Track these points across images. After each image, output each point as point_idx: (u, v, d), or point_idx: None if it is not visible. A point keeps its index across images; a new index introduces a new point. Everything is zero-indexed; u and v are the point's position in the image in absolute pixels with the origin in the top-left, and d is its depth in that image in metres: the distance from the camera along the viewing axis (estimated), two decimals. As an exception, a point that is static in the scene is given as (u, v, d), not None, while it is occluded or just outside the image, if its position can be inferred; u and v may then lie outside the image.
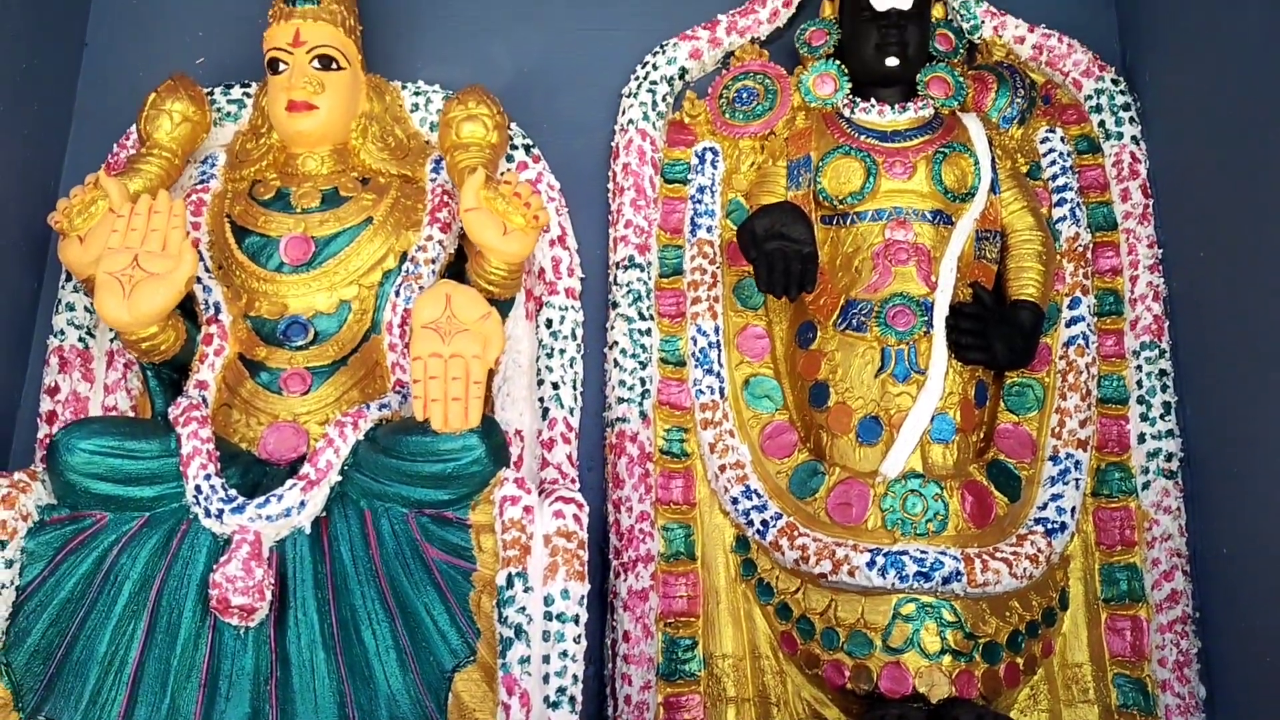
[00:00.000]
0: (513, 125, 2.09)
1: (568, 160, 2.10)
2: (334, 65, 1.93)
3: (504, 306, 1.91)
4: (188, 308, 1.87)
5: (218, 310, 1.85)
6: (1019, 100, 2.05)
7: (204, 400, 1.77)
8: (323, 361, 1.81)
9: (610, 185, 2.06)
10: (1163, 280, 1.96)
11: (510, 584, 1.54)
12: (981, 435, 1.89)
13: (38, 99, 2.09)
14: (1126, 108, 2.07)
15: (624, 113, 2.08)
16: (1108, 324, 1.97)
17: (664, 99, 2.09)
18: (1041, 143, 2.07)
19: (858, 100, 2.01)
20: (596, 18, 2.21)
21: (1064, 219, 2.00)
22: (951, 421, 1.80)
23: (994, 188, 1.96)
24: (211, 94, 2.08)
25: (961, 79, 2.03)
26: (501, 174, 2.04)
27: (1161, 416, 1.89)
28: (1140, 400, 1.91)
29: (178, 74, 1.99)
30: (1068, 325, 1.94)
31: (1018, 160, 2.03)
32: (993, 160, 1.97)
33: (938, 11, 2.08)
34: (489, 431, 1.64)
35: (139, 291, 1.68)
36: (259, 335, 1.84)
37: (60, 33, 2.17)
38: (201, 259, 1.89)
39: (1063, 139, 2.07)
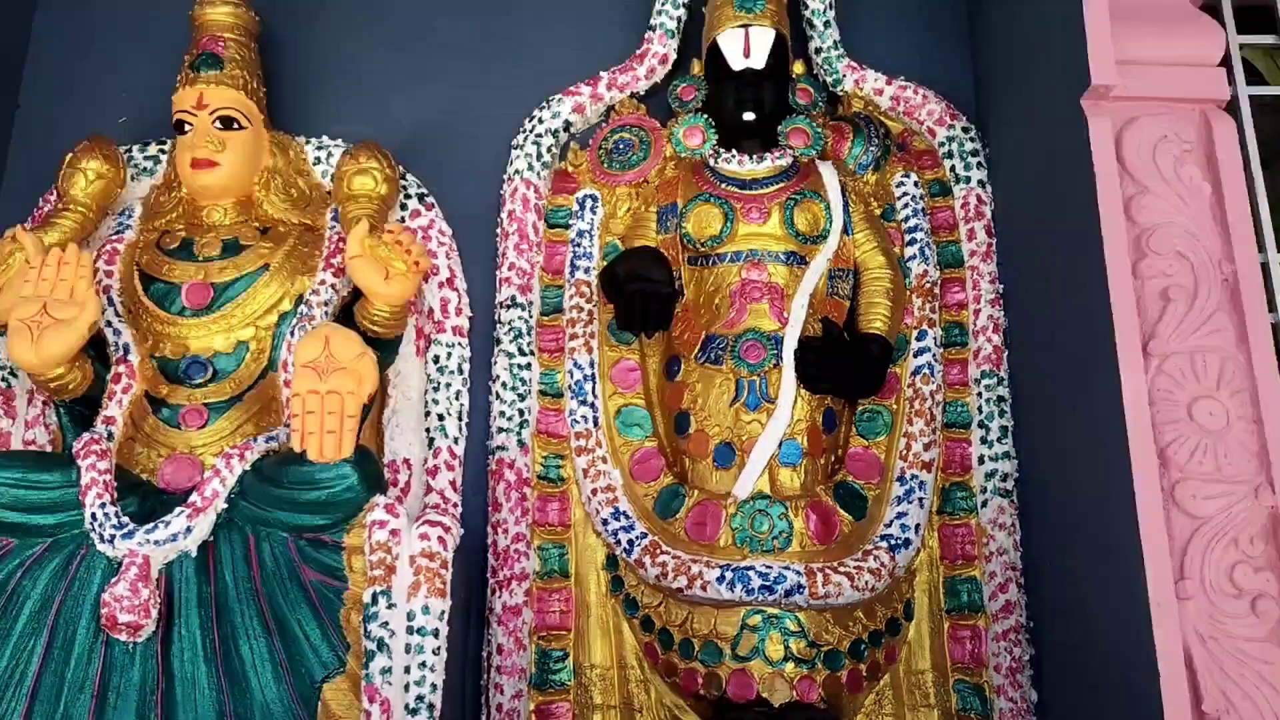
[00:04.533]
0: (408, 176, 2.25)
1: (461, 208, 2.27)
2: (235, 125, 2.10)
3: (392, 344, 2.06)
4: (103, 349, 2.03)
5: (126, 351, 2.01)
6: (873, 148, 2.22)
7: (109, 435, 1.92)
8: (220, 398, 1.97)
9: (498, 231, 2.23)
10: (1002, 313, 2.12)
11: (375, 601, 1.69)
12: (834, 459, 2.04)
13: (-32, 157, 2.26)
14: (975, 153, 2.24)
15: (511, 163, 2.25)
16: (953, 354, 2.13)
17: (549, 150, 2.26)
18: (897, 186, 2.24)
19: (721, 151, 2.18)
20: (490, 76, 2.38)
21: (914, 257, 2.16)
22: (799, 446, 1.96)
23: (847, 229, 2.12)
24: (129, 151, 2.25)
25: (820, 129, 2.19)
26: (401, 221, 2.21)
27: (999, 439, 2.05)
28: (981, 425, 2.07)
29: (95, 135, 2.16)
30: (915, 355, 2.10)
31: (872, 204, 2.20)
32: (846, 204, 2.13)
33: (798, 68, 2.25)
34: (362, 461, 1.80)
35: (46, 336, 1.83)
36: (163, 374, 1.99)
37: (-8, 94, 2.35)
38: (113, 304, 2.05)
39: (916, 183, 2.24)
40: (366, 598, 1.70)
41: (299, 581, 1.76)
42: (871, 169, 2.22)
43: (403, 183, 2.24)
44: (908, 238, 2.19)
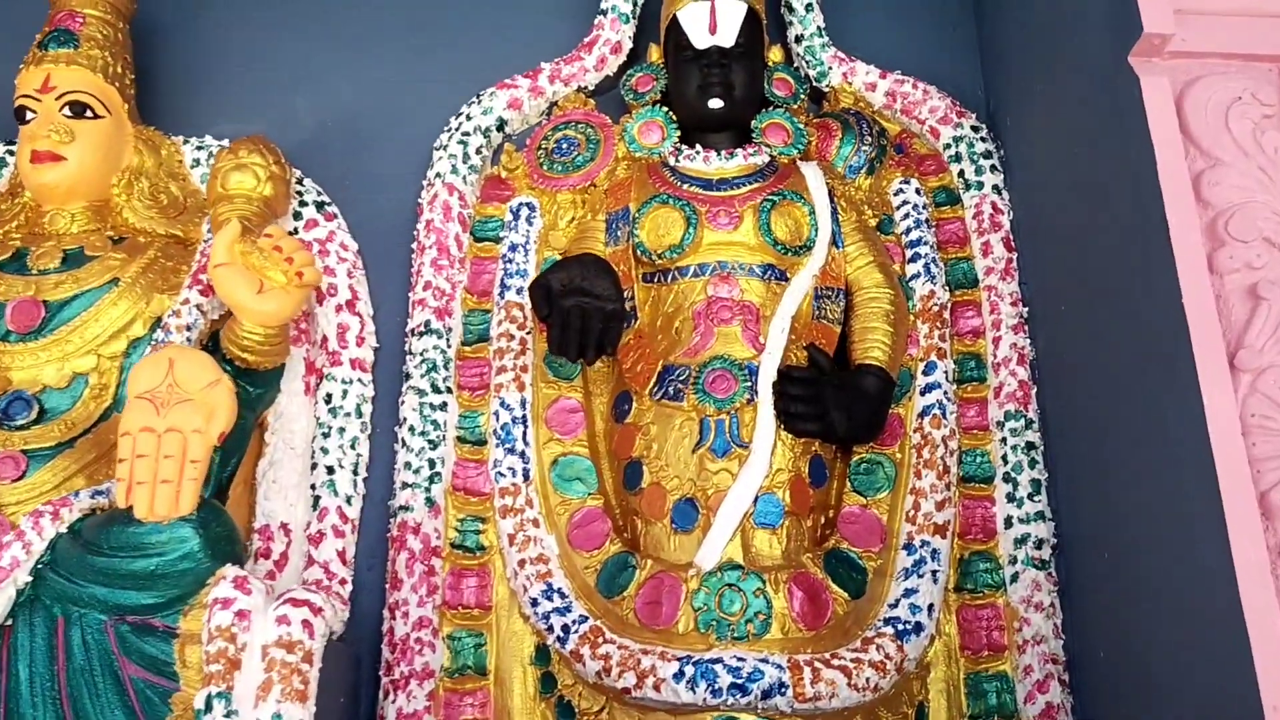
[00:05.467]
0: (305, 181, 1.87)
1: (372, 218, 1.89)
2: (88, 113, 1.72)
3: (269, 378, 1.65)
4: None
5: (-63, 387, 1.60)
6: (866, 148, 1.84)
7: (-99, 490, 1.49)
8: (44, 443, 1.55)
9: (414, 245, 1.83)
10: (1028, 341, 1.73)
11: (209, 707, 1.25)
12: (823, 520, 1.62)
13: None
14: (988, 155, 1.87)
15: (433, 166, 1.87)
16: (969, 392, 1.73)
17: (478, 151, 1.88)
18: (895, 194, 1.86)
19: (683, 148, 1.80)
20: (413, 68, 2.01)
21: (918, 276, 1.78)
22: (779, 503, 1.54)
23: (836, 241, 1.74)
24: (-32, 150, 1.86)
25: (802, 126, 1.82)
26: (294, 234, 1.81)
27: (1030, 496, 1.63)
28: (1006, 478, 1.66)
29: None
30: (922, 393, 1.70)
31: (865, 212, 1.81)
32: (834, 211, 1.75)
33: (775, 55, 1.90)
34: (207, 520, 1.38)
35: None
36: (-16, 415, 1.58)
37: None
38: (-75, 330, 1.64)
39: (918, 190, 1.86)
40: (199, 703, 1.26)
41: (115, 678, 1.33)
42: (864, 172, 1.84)
43: (299, 188, 1.86)
44: (910, 253, 1.80)
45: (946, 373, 1.72)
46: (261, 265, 1.54)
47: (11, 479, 1.52)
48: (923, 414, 1.68)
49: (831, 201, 1.76)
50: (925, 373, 1.71)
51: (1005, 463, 1.66)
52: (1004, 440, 1.68)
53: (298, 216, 1.83)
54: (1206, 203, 1.32)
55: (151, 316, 1.66)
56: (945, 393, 1.70)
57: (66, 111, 1.71)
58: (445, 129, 1.90)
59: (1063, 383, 1.65)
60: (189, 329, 1.65)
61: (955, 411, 1.71)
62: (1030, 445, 1.66)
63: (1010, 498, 1.64)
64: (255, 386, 1.63)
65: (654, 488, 1.58)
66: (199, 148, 1.87)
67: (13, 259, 1.67)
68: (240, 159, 1.73)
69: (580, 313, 1.54)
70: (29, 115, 1.71)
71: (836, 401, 1.60)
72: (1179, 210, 1.30)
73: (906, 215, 1.83)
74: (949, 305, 1.78)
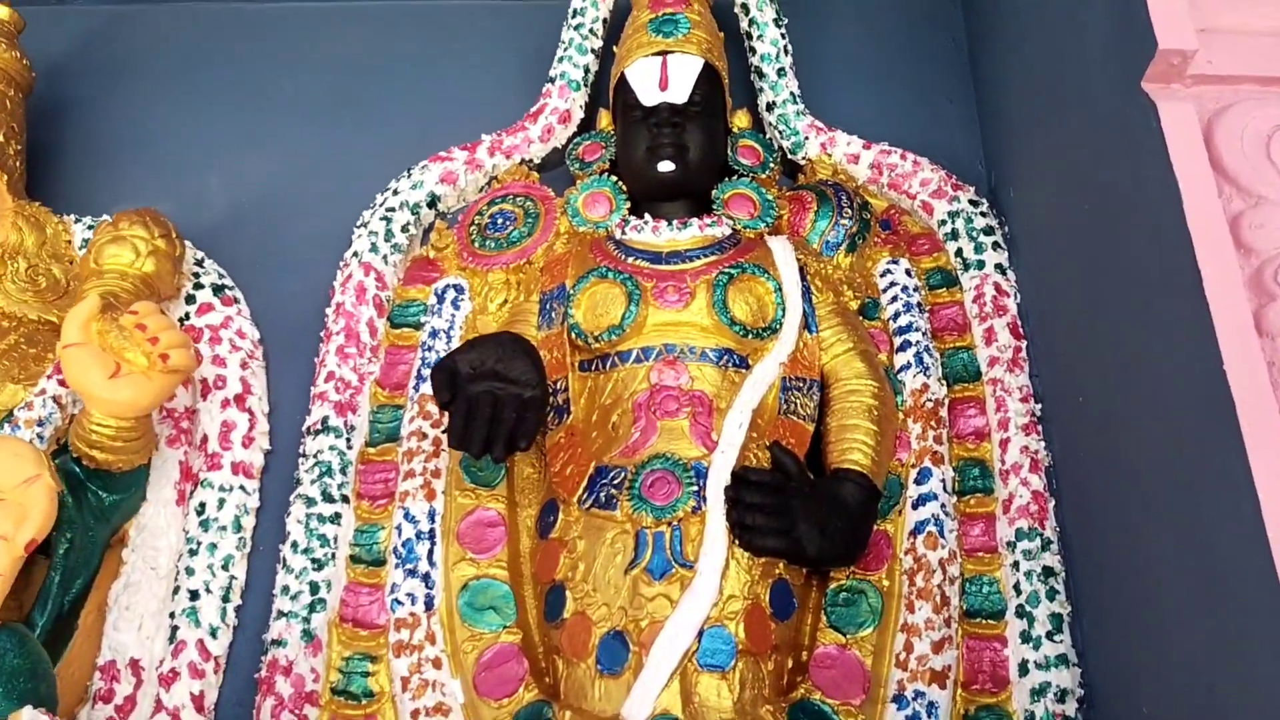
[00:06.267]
0: (207, 263, 1.65)
1: (281, 305, 1.65)
2: (-47, 181, 1.52)
3: (127, 482, 1.38)
4: None
5: None
6: (845, 222, 1.59)
7: None
8: None
9: (322, 333, 1.59)
10: (1042, 444, 1.44)
11: None
12: (790, 663, 1.31)
13: None
14: (989, 231, 1.61)
15: (350, 245, 1.64)
16: (972, 505, 1.43)
17: (404, 229, 1.65)
18: (881, 275, 1.60)
19: (631, 219, 1.56)
20: (339, 144, 1.81)
21: (908, 367, 1.50)
22: (730, 639, 1.23)
23: (809, 325, 1.47)
24: None
25: (771, 198, 1.58)
26: (184, 321, 1.58)
27: (1050, 635, 1.31)
28: (1020, 612, 1.34)
29: None
30: (915, 506, 1.40)
31: (845, 294, 1.55)
32: (807, 290, 1.49)
33: (741, 120, 1.67)
34: (4, 649, 1.13)
35: None
36: None
37: None
38: None
39: (909, 271, 1.60)
40: None
41: None
42: (844, 249, 1.58)
43: (197, 269, 1.63)
44: (899, 341, 1.53)
45: (944, 482, 1.42)
46: (120, 346, 1.30)
47: None
48: (915, 531, 1.38)
49: (804, 279, 1.50)
50: (918, 481, 1.41)
51: (1018, 593, 1.35)
52: (1016, 565, 1.36)
53: (191, 300, 1.59)
54: (1249, 249, 1.05)
55: (1, 409, 1.41)
56: (943, 506, 1.39)
57: (-69, 180, 1.51)
58: (370, 206, 1.68)
59: (1085, 493, 1.35)
60: (40, 424, 1.40)
61: (956, 529, 1.40)
62: (1048, 571, 1.35)
63: (1025, 637, 1.32)
64: (109, 492, 1.37)
65: (577, 618, 1.27)
66: (90, 227, 1.66)
67: None
68: (119, 230, 1.51)
69: (491, 399, 1.27)
70: (-114, 185, 1.51)
71: (806, 513, 1.30)
72: (1215, 261, 1.02)
73: (895, 298, 1.57)
74: (946, 402, 1.49)
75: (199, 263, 1.65)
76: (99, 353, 1.29)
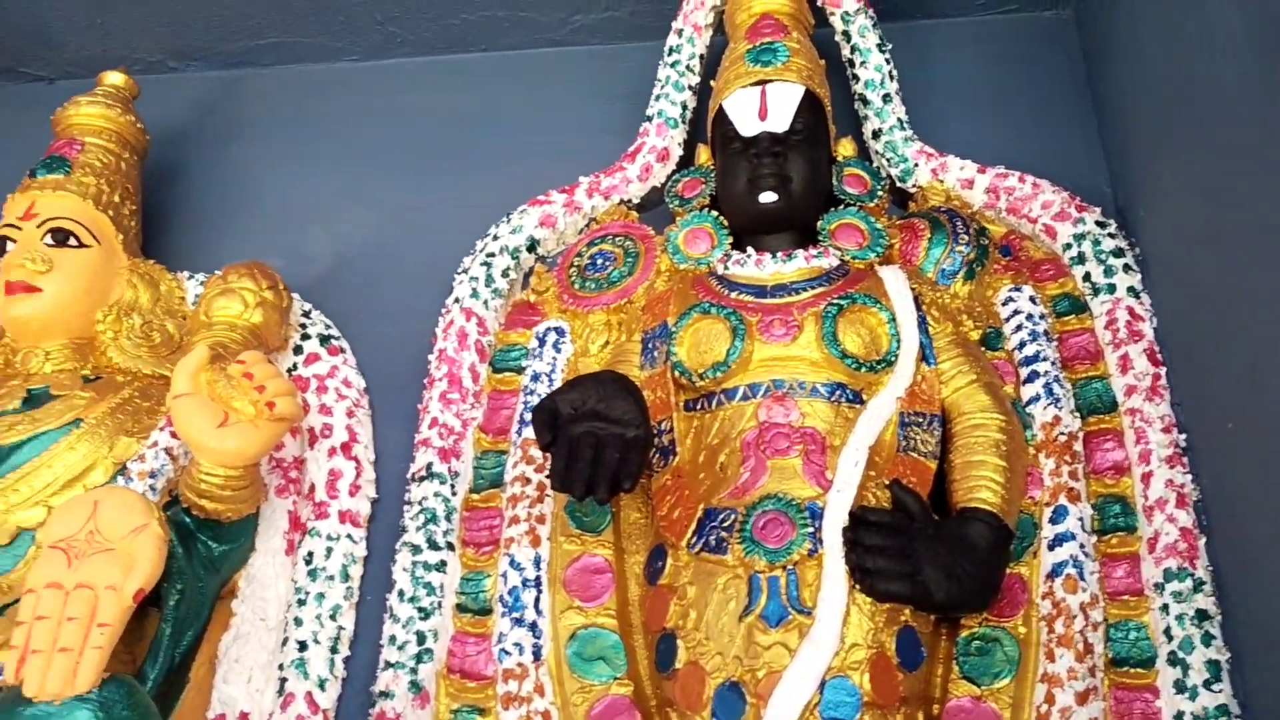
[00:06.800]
0: (313, 314, 1.66)
1: (382, 353, 1.66)
2: (71, 241, 1.56)
3: (236, 532, 1.38)
4: None
5: (-125, 552, 1.39)
6: (961, 249, 1.52)
7: None
8: (-29, 610, 1.31)
9: (425, 379, 1.58)
10: (1189, 478, 1.33)
11: None
12: (920, 716, 1.21)
13: None
14: (1119, 253, 1.52)
15: (452, 292, 1.63)
16: (1114, 545, 1.33)
17: (504, 274, 1.63)
18: (1003, 304, 1.52)
19: (733, 253, 1.51)
20: (438, 193, 1.82)
21: (1037, 399, 1.41)
22: (855, 691, 1.15)
23: (927, 357, 1.39)
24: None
25: (881, 227, 1.52)
26: (292, 371, 1.59)
27: (1207, 685, 1.19)
28: (1173, 660, 1.22)
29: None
30: (1051, 547, 1.30)
31: (964, 324, 1.47)
32: (923, 320, 1.42)
33: (847, 148, 1.62)
34: (110, 701, 1.10)
35: None
36: (-90, 581, 1.36)
37: None
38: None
39: (1033, 299, 1.51)
40: None
41: None
42: (961, 277, 1.51)
43: (304, 320, 1.64)
44: (1025, 372, 1.44)
45: (1082, 520, 1.32)
46: (228, 395, 1.30)
47: (-71, 652, 1.27)
48: (1052, 574, 1.28)
49: (919, 309, 1.42)
50: (1053, 520, 1.32)
51: (1169, 638, 1.24)
52: (1165, 608, 1.25)
53: (299, 351, 1.60)
54: None
55: (115, 462, 1.43)
56: (1082, 546, 1.30)
57: (48, 240, 1.55)
58: (471, 252, 1.67)
59: (1240, 528, 1.24)
60: (153, 475, 1.41)
61: (1097, 571, 1.30)
62: (1202, 614, 1.23)
63: (1180, 686, 1.21)
64: (219, 542, 1.37)
65: (690, 669, 1.21)
66: (201, 283, 1.69)
67: (-28, 403, 1.48)
68: (228, 283, 1.53)
69: (593, 440, 1.22)
70: (9, 245, 1.56)
71: (932, 555, 1.22)
72: (1385, 265, 0.92)
73: (1019, 327, 1.48)
74: (1080, 435, 1.39)
75: (306, 314, 1.66)
76: (207, 402, 1.29)
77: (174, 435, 1.44)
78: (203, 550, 1.36)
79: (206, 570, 1.36)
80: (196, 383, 1.31)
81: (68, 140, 1.65)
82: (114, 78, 1.73)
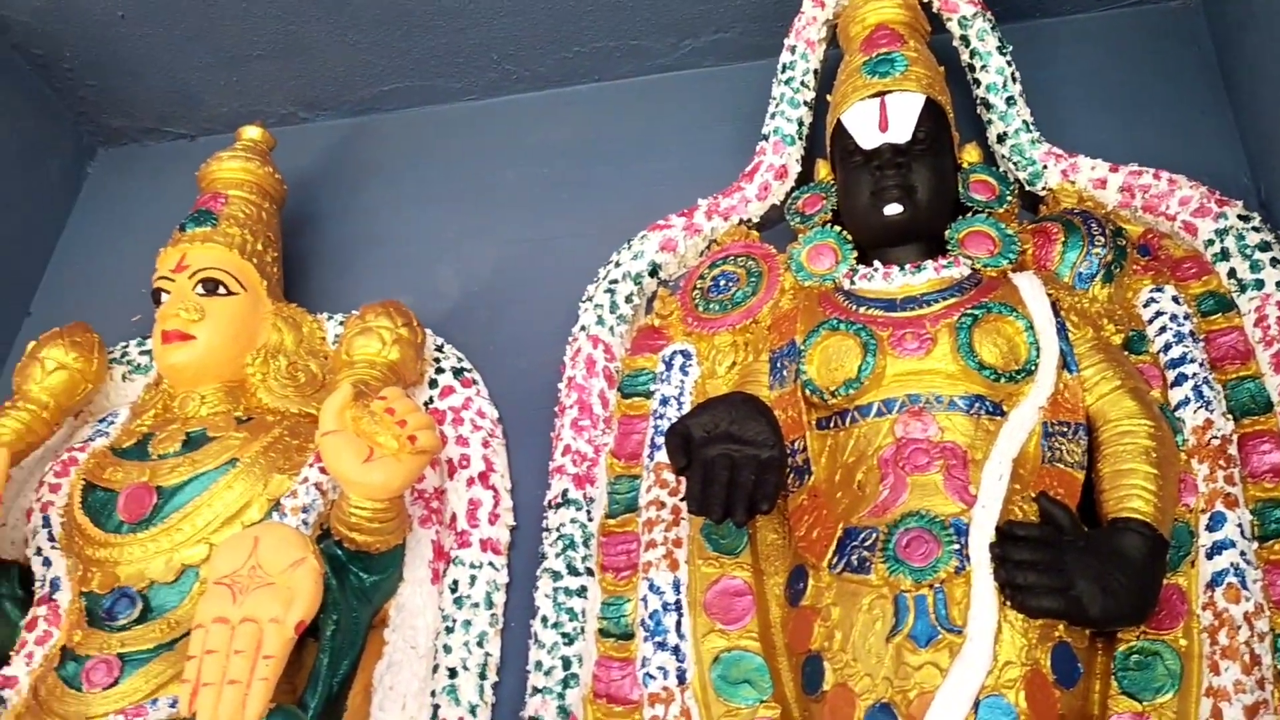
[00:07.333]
0: (445, 348, 1.70)
1: (513, 383, 1.69)
2: (220, 290, 1.64)
3: (385, 562, 1.43)
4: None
5: (54, 588, 1.50)
6: (1098, 250, 1.47)
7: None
8: (142, 645, 1.38)
9: (556, 407, 1.60)
10: (1360, 477, 1.26)
11: None
12: (1080, 735, 1.18)
13: (-34, 371, 1.91)
14: (1265, 247, 1.45)
15: (578, 320, 1.66)
16: (1277, 551, 1.26)
17: (627, 300, 1.65)
18: (1145, 305, 1.47)
19: (859, 268, 1.50)
20: (559, 224, 1.86)
21: (1187, 402, 1.35)
22: (1011, 710, 1.12)
23: (1068, 364, 1.36)
24: (125, 347, 1.83)
25: (1012, 233, 1.49)
26: (428, 404, 1.64)
27: (1395, 698, 1.13)
28: (1354, 672, 1.16)
29: (75, 323, 1.74)
30: (1209, 556, 1.25)
31: (1105, 328, 1.43)
32: (1062, 326, 1.38)
33: (972, 154, 1.59)
34: (279, 732, 1.13)
35: (-90, 558, 1.34)
36: (87, 616, 1.44)
37: (5, 301, 2.02)
38: (48, 526, 1.54)
39: (1176, 298, 1.46)
40: None
41: None
42: (1099, 280, 1.46)
43: (437, 354, 1.69)
44: (1173, 375, 1.39)
45: (1241, 526, 1.26)
46: (372, 430, 1.35)
47: (103, 687, 1.35)
48: (1212, 584, 1.23)
49: (1057, 315, 1.39)
50: (1210, 528, 1.26)
51: (1349, 650, 1.17)
52: (1339, 616, 1.19)
53: (434, 385, 1.65)
54: None
55: (269, 499, 1.49)
56: (1242, 554, 1.24)
57: (199, 289, 1.63)
58: (595, 280, 1.69)
59: None
60: (305, 510, 1.46)
61: (1260, 579, 1.24)
62: (1384, 624, 1.17)
63: (1362, 699, 1.14)
64: (370, 573, 1.42)
65: (839, 691, 1.19)
66: (340, 322, 1.75)
67: (136, 446, 1.57)
68: (366, 323, 1.59)
69: (728, 462, 1.22)
70: (163, 296, 1.64)
71: (1084, 569, 1.18)
72: None
73: (1163, 329, 1.43)
74: (1234, 438, 1.33)
75: (439, 348, 1.71)
76: (354, 438, 1.35)
77: (323, 471, 1.49)
78: (355, 581, 1.41)
79: (359, 600, 1.41)
80: (342, 420, 1.36)
81: (212, 194, 1.74)
82: (251, 132, 1.82)
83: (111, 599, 1.43)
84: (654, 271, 1.69)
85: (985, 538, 1.20)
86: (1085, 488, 1.29)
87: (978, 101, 1.68)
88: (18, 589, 1.54)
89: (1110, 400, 1.34)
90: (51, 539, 1.53)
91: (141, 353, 1.82)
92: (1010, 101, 1.65)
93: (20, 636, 1.47)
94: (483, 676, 1.41)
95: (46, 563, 1.51)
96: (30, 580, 1.54)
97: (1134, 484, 1.26)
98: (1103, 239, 1.49)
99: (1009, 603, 1.17)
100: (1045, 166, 1.62)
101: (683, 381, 1.55)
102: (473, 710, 1.38)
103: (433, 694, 1.40)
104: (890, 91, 1.52)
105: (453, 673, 1.40)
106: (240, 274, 1.66)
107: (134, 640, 1.38)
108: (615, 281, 1.66)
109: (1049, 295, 1.41)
